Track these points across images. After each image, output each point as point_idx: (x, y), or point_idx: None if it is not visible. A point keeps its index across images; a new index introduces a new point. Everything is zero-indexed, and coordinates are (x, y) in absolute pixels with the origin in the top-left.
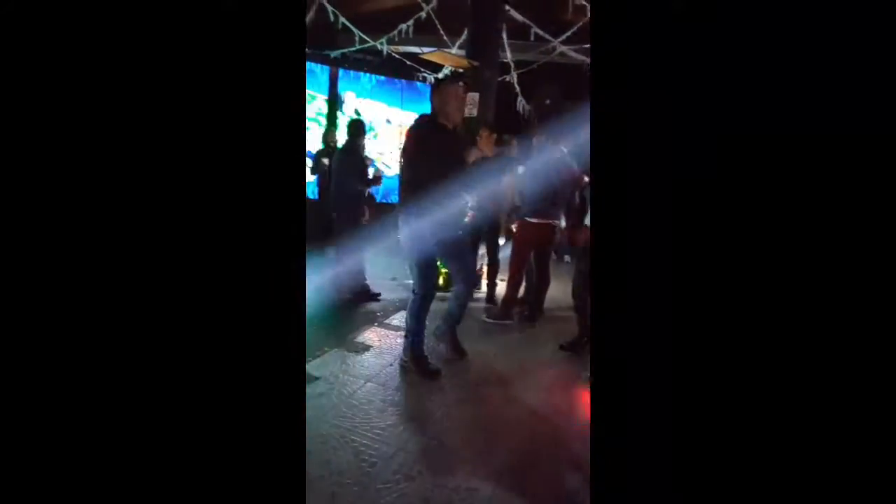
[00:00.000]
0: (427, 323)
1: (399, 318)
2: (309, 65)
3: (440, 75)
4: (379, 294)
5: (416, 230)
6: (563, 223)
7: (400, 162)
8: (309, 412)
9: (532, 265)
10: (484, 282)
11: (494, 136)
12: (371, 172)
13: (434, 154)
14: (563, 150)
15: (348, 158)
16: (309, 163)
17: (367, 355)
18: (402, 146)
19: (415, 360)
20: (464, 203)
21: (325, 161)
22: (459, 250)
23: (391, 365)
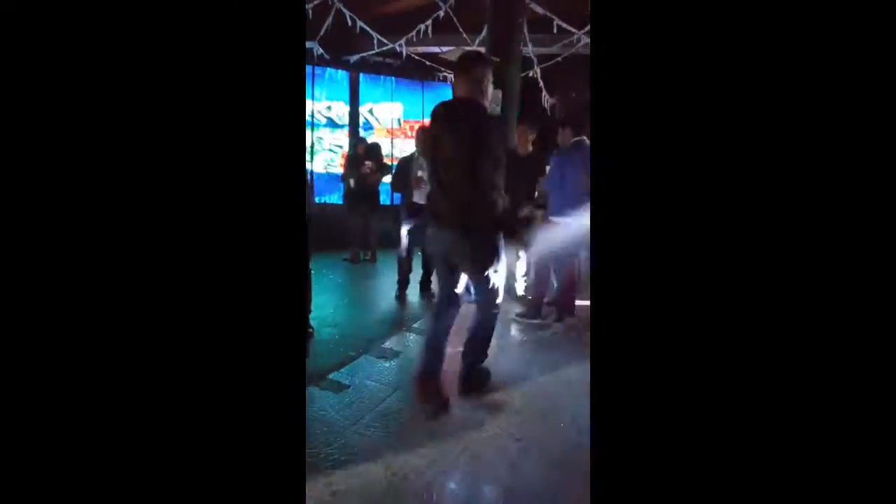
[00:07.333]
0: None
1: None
2: (329, 71)
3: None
4: None
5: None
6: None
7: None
8: (338, 422)
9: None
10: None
11: (532, 136)
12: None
13: (485, 142)
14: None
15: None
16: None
17: (395, 362)
18: (429, 134)
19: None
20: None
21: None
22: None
23: None
